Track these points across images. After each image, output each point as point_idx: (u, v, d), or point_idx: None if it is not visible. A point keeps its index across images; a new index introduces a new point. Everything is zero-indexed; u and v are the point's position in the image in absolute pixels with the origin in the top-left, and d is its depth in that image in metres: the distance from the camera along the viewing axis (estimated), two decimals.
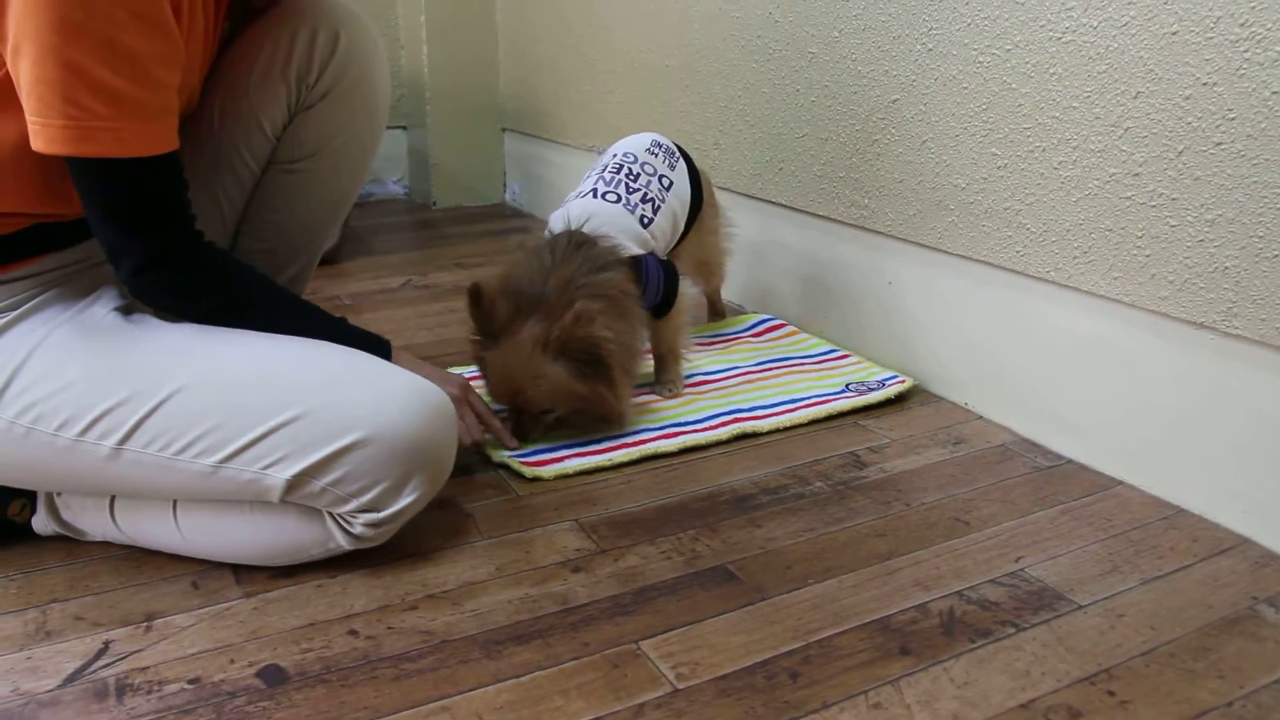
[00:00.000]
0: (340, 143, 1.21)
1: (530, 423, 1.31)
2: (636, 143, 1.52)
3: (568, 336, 1.22)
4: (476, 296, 1.25)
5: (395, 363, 1.09)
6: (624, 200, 1.41)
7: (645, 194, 1.43)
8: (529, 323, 1.24)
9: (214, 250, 1.03)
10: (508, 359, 1.25)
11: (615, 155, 1.50)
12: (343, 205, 1.31)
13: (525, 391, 1.26)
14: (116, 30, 0.86)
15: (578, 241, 1.31)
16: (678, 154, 1.54)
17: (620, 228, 1.38)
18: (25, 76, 0.87)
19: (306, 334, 1.04)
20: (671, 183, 1.49)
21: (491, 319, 1.26)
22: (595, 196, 1.42)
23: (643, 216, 1.41)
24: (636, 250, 1.38)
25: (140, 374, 0.97)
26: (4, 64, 0.89)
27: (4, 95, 0.90)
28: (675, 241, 1.53)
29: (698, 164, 1.61)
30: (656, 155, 1.50)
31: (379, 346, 1.12)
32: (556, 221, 1.39)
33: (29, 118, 0.88)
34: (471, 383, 1.29)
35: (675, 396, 1.49)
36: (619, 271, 1.32)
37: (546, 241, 1.33)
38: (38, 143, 0.89)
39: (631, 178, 1.44)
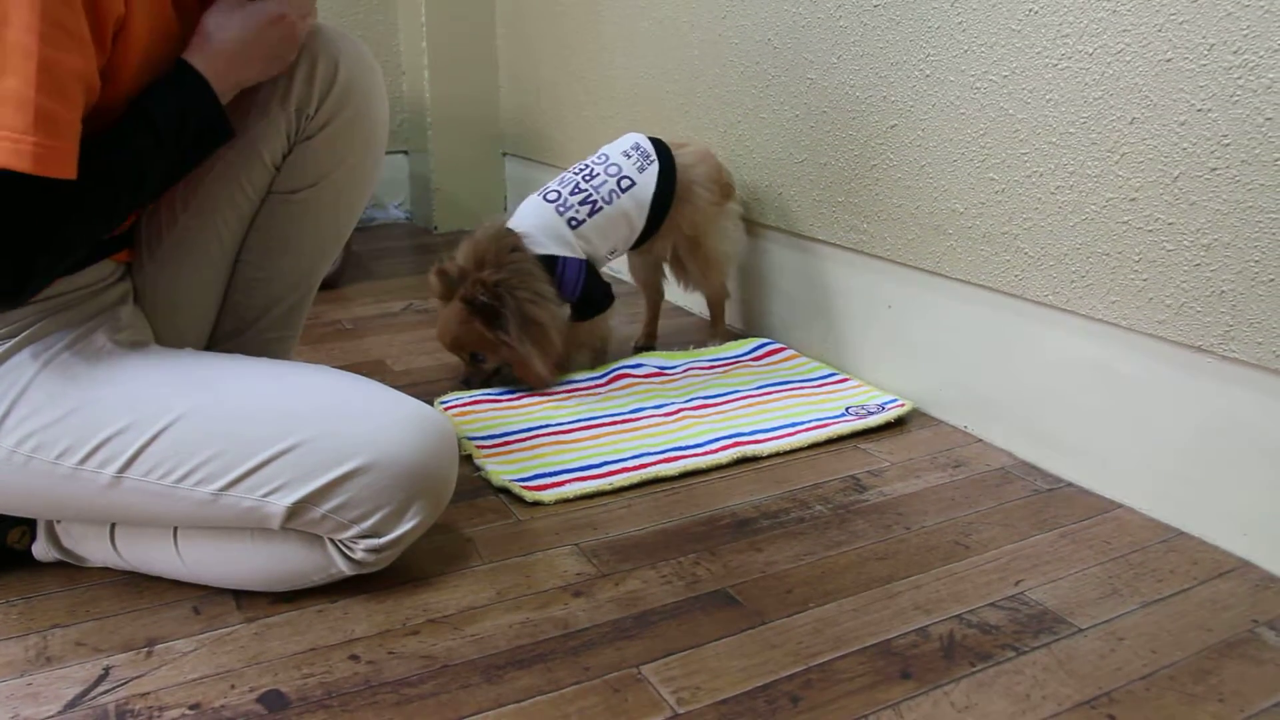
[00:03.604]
0: (339, 174, 1.21)
1: (470, 370, 1.61)
2: (620, 144, 1.66)
3: (471, 291, 1.49)
4: (441, 274, 1.54)
5: (210, 69, 0.98)
6: (561, 200, 1.59)
7: (589, 195, 1.59)
8: (460, 289, 1.52)
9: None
10: (445, 315, 1.55)
11: (598, 153, 1.67)
12: (341, 234, 1.31)
13: (454, 336, 1.55)
14: (35, 40, 0.83)
15: (498, 235, 1.56)
16: (654, 157, 1.64)
17: (542, 226, 1.58)
18: None
19: (160, 139, 0.97)
20: (632, 184, 1.61)
21: (446, 290, 1.55)
22: (541, 194, 1.62)
23: (572, 218, 1.58)
24: (551, 248, 1.56)
25: (140, 402, 0.97)
26: None
27: None
28: (636, 240, 1.67)
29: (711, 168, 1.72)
30: (630, 158, 1.63)
31: (194, 82, 0.98)
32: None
33: None
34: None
35: (552, 379, 1.61)
36: (523, 259, 1.54)
37: (487, 231, 1.57)
38: None
39: (588, 178, 1.61)
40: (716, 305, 1.84)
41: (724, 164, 1.78)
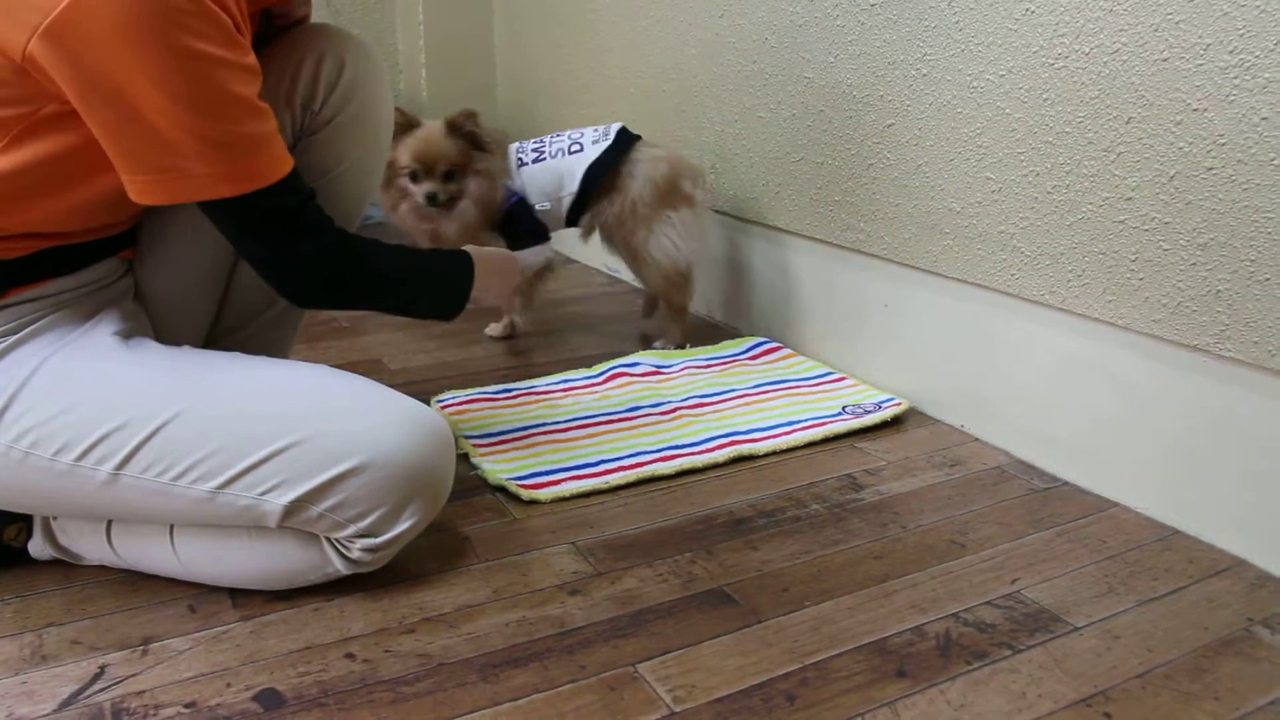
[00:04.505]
0: (343, 169, 1.22)
1: (437, 187, 1.72)
2: (600, 127, 1.82)
3: (460, 117, 1.71)
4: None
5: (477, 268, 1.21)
6: (522, 145, 1.82)
7: (541, 146, 1.81)
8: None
9: (348, 234, 1.09)
10: (425, 135, 1.72)
11: (581, 128, 1.85)
12: None
13: (440, 151, 1.70)
14: (225, 85, 0.90)
15: (506, 139, 1.79)
16: (612, 143, 1.75)
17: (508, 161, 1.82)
18: (145, 140, 0.89)
19: (429, 286, 1.18)
20: (580, 150, 1.78)
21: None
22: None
23: (520, 159, 1.80)
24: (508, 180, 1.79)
25: (138, 399, 0.97)
26: (41, 103, 0.90)
27: (38, 126, 0.91)
28: (575, 206, 1.78)
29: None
30: (596, 133, 1.79)
31: (462, 263, 1.20)
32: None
33: (151, 175, 0.91)
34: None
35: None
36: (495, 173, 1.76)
37: (506, 133, 1.80)
38: (163, 195, 0.92)
39: (555, 137, 1.82)
40: (663, 300, 1.84)
41: (700, 175, 1.76)
